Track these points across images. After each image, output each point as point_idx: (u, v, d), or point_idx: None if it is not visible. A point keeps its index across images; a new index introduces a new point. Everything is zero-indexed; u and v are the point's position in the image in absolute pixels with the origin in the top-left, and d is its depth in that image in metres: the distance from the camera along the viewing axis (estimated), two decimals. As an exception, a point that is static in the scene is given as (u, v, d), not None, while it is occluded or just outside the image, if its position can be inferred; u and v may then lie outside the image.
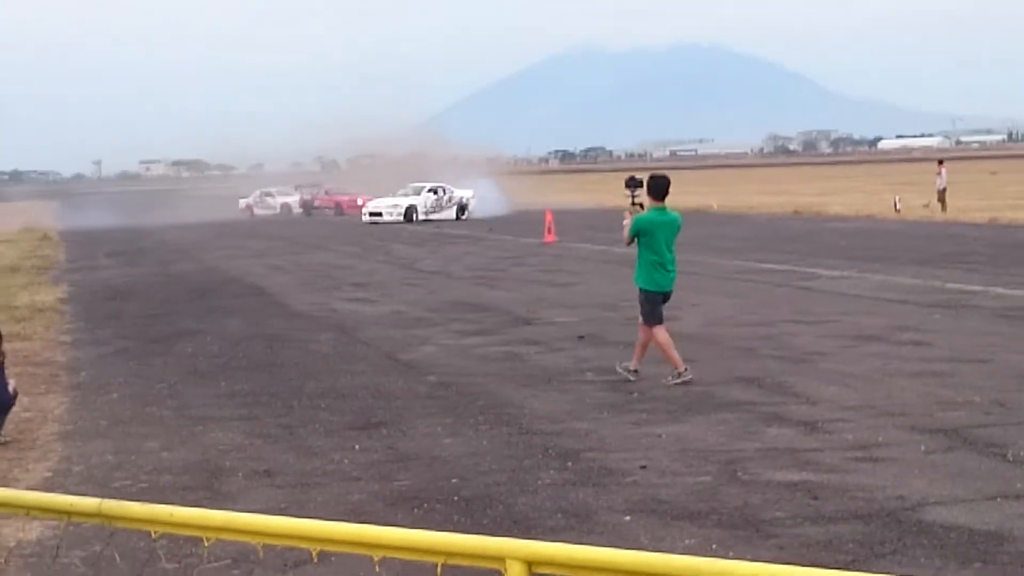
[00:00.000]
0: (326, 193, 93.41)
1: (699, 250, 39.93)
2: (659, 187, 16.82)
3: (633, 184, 18.65)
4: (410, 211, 70.71)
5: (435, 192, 72.58)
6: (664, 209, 16.83)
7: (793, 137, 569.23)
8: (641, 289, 16.97)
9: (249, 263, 42.33)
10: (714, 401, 15.16)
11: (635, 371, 16.91)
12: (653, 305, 16.87)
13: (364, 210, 73.77)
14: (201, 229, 58.43)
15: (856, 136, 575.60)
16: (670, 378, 16.52)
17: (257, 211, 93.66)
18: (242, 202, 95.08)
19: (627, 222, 17.39)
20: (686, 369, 16.53)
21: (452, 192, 72.83)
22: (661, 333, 16.79)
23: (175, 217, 76.77)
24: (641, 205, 18.13)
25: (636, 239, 16.94)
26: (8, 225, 76.58)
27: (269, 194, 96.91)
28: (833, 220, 55.61)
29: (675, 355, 16.62)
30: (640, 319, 17.09)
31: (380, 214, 71.10)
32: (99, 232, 63.68)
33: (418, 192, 72.79)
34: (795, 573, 3.17)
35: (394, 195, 73.09)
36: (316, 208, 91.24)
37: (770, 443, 12.86)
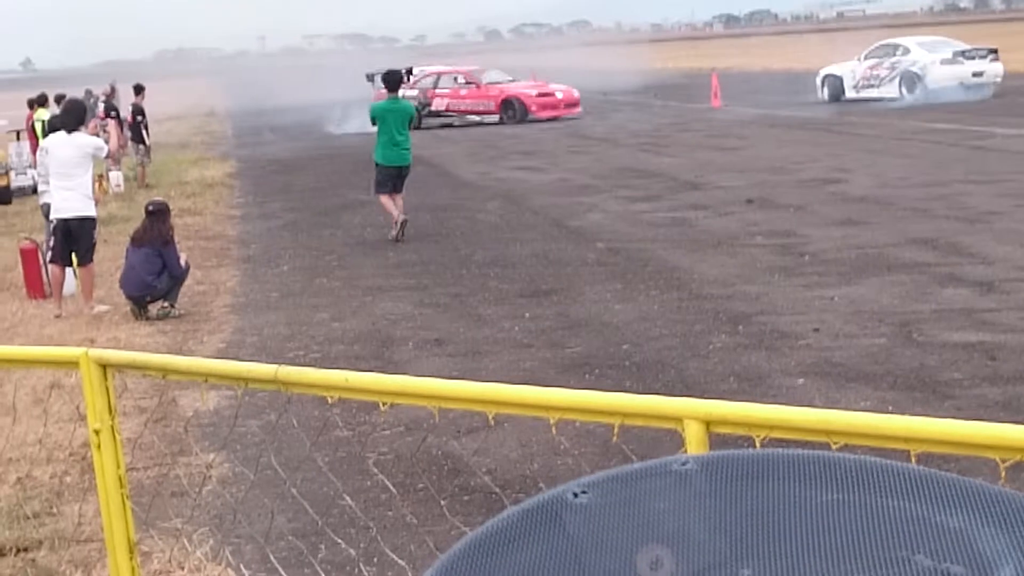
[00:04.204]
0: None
1: (868, 112, 39.20)
2: (390, 80, 20.23)
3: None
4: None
5: None
6: (397, 99, 20.23)
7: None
8: (377, 164, 20.05)
9: (414, 135, 42.32)
10: (887, 263, 14.91)
11: (402, 223, 19.38)
12: (385, 178, 19.88)
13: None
14: (363, 104, 58.52)
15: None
16: (393, 233, 19.38)
17: None
18: None
19: None
20: (398, 223, 19.34)
21: None
22: (385, 199, 19.81)
23: (338, 92, 77.29)
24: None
25: (375, 123, 20.12)
26: (176, 102, 77.64)
27: None
28: (1008, 77, 54.14)
29: (394, 212, 19.55)
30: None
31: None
32: (264, 108, 64.24)
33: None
34: (975, 428, 3.07)
35: None
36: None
37: (946, 304, 12.63)
